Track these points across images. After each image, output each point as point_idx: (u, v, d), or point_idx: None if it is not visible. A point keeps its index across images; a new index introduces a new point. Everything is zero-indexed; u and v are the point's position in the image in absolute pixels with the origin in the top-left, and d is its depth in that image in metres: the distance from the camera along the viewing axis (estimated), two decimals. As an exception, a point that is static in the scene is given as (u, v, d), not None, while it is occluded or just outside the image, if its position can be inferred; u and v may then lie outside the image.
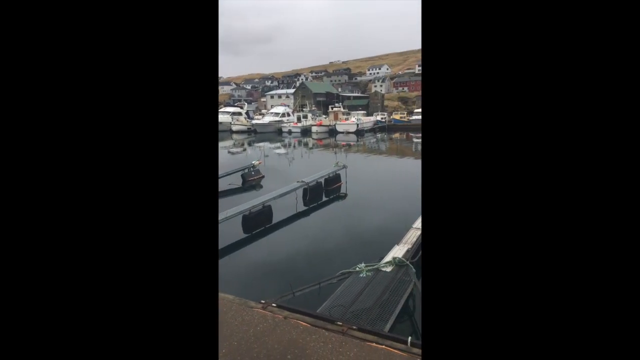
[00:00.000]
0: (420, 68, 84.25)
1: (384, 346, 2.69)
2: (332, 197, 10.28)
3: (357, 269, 4.38)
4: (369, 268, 4.39)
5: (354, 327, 2.95)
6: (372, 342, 2.75)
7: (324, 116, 42.16)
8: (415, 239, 5.41)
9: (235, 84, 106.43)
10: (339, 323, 3.00)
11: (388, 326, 3.30)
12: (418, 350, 2.64)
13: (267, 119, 39.00)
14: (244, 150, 25.17)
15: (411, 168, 16.26)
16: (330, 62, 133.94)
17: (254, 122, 38.93)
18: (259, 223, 7.46)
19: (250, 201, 7.63)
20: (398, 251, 4.97)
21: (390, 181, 13.38)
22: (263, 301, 3.36)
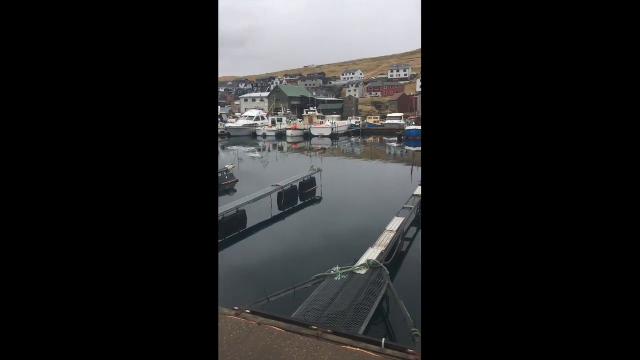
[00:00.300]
0: (392, 74, 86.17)
1: (358, 349, 2.71)
2: (307, 201, 10.28)
3: (332, 272, 4.40)
4: (343, 271, 4.42)
5: (329, 330, 2.96)
6: (347, 345, 2.76)
7: (298, 120, 42.21)
8: (388, 242, 5.50)
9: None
10: (313, 327, 3.00)
11: (362, 328, 3.33)
12: (392, 352, 2.68)
13: (241, 123, 38.49)
14: (218, 154, 24.73)
15: (385, 171, 16.55)
16: (304, 66, 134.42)
17: (227, 125, 38.28)
18: (232, 228, 7.34)
19: (224, 206, 7.49)
20: (372, 254, 5.04)
21: (365, 184, 13.55)
22: (237, 308, 3.31)
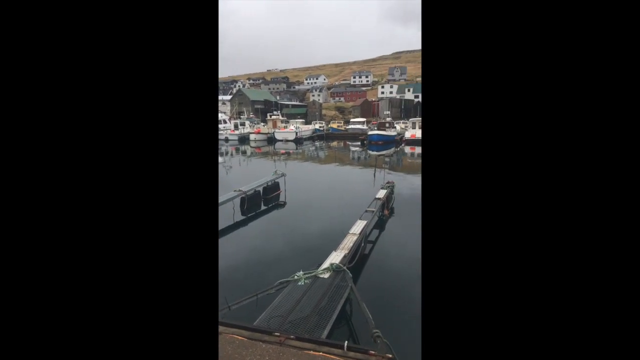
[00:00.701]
0: (354, 80, 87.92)
1: (321, 353, 2.72)
2: (271, 205, 10.18)
3: (296, 277, 4.38)
4: (307, 276, 4.41)
5: (292, 336, 2.94)
6: (310, 350, 2.76)
7: (262, 124, 41.76)
8: (351, 244, 5.57)
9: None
10: (276, 334, 2.96)
11: (325, 332, 3.34)
12: (354, 354, 2.71)
13: (202, 126, 37.29)
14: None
15: (349, 175, 16.80)
16: (267, 70, 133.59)
17: (188, 129, 36.89)
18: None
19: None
20: (335, 257, 5.08)
21: (329, 188, 13.66)
22: (196, 318, 3.19)
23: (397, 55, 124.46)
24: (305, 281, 4.33)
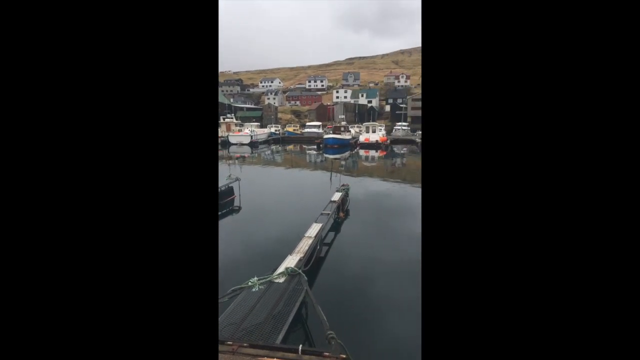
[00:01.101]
0: (310, 84, 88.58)
1: (275, 358, 2.68)
2: (225, 211, 9.89)
3: (250, 283, 4.29)
4: (261, 281, 4.34)
5: (245, 344, 2.87)
6: (264, 356, 2.71)
7: (215, 127, 40.49)
8: (307, 248, 5.58)
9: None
10: (229, 343, 2.88)
11: (280, 338, 3.30)
12: (309, 357, 2.71)
13: (151, 129, 35.39)
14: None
15: (305, 178, 16.84)
16: (221, 72, 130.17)
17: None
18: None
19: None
20: (291, 261, 5.05)
21: (285, 192, 13.58)
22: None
23: (350, 61, 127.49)
24: (260, 287, 4.26)
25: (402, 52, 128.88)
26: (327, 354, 2.74)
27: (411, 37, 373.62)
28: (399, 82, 79.09)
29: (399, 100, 59.22)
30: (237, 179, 10.97)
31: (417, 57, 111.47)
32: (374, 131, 33.85)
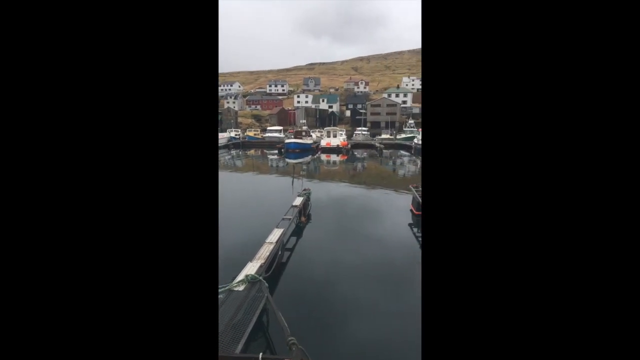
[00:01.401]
0: (270, 88, 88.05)
1: (234, 370, 2.59)
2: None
3: (208, 293, 4.13)
4: (220, 290, 4.20)
5: (202, 357, 2.74)
6: (222, 368, 2.61)
7: (172, 131, 38.91)
8: (268, 254, 5.48)
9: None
10: (184, 357, 2.74)
11: (240, 347, 3.20)
12: (269, 365, 2.65)
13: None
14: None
15: (266, 183, 16.63)
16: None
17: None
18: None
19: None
20: (251, 268, 4.94)
21: (246, 197, 13.31)
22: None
23: (311, 67, 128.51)
24: (219, 296, 4.11)
25: (360, 59, 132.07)
26: (287, 360, 2.70)
27: (369, 44, 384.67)
28: (358, 88, 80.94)
29: (359, 106, 60.58)
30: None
31: (375, 64, 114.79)
32: (335, 136, 34.27)
